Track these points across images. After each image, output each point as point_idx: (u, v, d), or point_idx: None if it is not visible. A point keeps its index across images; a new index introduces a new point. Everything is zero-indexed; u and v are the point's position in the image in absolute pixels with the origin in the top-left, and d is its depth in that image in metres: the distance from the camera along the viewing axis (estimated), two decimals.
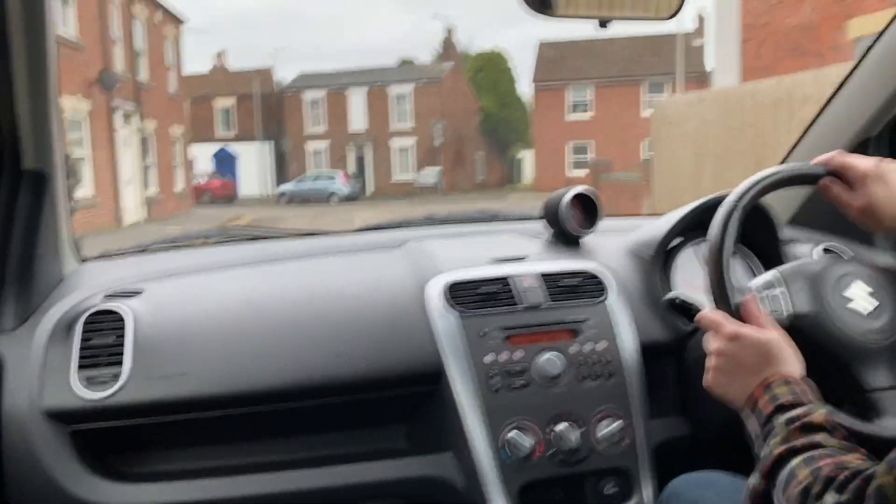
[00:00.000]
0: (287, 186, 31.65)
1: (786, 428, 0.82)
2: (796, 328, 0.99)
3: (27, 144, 1.24)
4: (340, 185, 30.52)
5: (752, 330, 0.93)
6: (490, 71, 39.09)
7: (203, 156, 34.59)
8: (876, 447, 0.78)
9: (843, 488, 0.70)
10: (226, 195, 31.70)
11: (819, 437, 0.79)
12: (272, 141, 36.10)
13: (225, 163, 35.74)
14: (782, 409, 0.84)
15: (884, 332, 1.00)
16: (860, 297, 1.02)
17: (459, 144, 35.52)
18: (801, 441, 0.79)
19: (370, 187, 34.40)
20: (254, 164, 35.69)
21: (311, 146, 36.06)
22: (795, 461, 0.77)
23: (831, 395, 0.93)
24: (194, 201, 25.28)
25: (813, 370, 0.93)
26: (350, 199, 29.63)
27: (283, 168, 36.09)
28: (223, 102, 36.69)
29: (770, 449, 0.81)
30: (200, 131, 34.52)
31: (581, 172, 27.78)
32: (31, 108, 1.22)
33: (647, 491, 1.26)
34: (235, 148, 36.13)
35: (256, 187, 35.08)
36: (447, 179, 33.70)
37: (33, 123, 1.23)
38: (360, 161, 35.39)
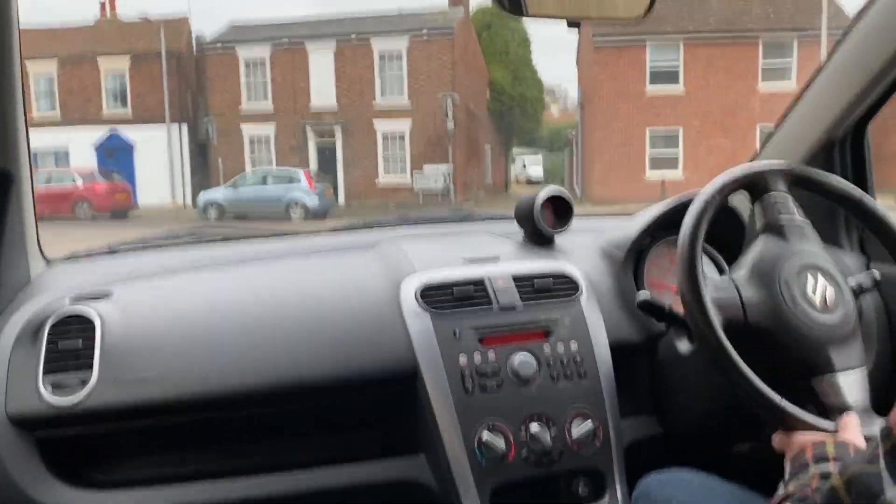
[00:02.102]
0: (216, 193, 19.71)
1: (811, 474, 0.82)
2: (753, 321, 1.01)
3: None
4: (305, 190, 18.65)
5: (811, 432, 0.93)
6: (500, 30, 28.43)
7: (81, 145, 23.29)
8: None
9: (803, 501, 0.73)
10: (116, 205, 18.95)
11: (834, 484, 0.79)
12: (187, 123, 23.73)
13: (116, 155, 23.33)
14: (821, 460, 0.84)
15: (840, 324, 1.01)
16: (818, 290, 1.03)
17: (474, 131, 24.71)
18: (813, 483, 0.80)
19: (342, 194, 22.57)
20: (160, 158, 23.14)
21: (248, 130, 23.73)
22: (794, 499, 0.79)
23: (789, 389, 0.96)
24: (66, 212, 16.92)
25: (773, 362, 0.98)
26: (320, 213, 18.29)
27: (204, 163, 23.76)
28: (113, 65, 23.75)
29: (783, 489, 0.82)
30: (76, 108, 23.82)
31: (662, 175, 20.15)
32: None
33: (619, 490, 1.26)
34: (131, 133, 23.72)
35: (165, 193, 22.92)
36: (459, 183, 22.46)
37: None
38: (327, 154, 23.20)
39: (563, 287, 1.35)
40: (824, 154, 1.42)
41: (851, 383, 0.98)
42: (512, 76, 28.40)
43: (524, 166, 39.53)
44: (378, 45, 22.89)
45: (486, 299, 1.30)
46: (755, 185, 1.10)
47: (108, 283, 1.34)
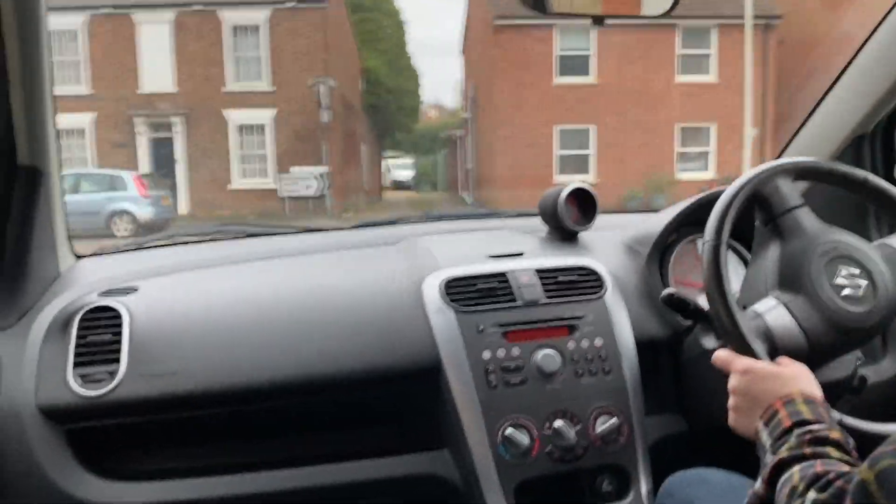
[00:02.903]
0: None
1: (798, 439, 0.82)
2: (812, 337, 1.00)
3: (21, 140, 1.23)
4: (133, 198, 14.13)
5: (763, 363, 0.94)
6: (373, 11, 24.27)
7: None
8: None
9: (825, 488, 0.71)
10: None
11: (828, 450, 0.79)
12: None
13: None
14: (802, 423, 0.84)
15: (874, 313, 1.02)
16: (849, 281, 1.03)
17: (352, 126, 20.46)
18: (808, 450, 0.79)
19: (183, 202, 17.18)
20: None
21: (59, 120, 18.44)
22: (796, 467, 0.78)
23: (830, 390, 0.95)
24: None
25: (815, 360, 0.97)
26: (156, 227, 13.66)
27: None
28: None
29: (775, 457, 0.81)
30: None
31: (572, 180, 14.87)
32: (26, 103, 1.22)
33: (644, 488, 1.26)
34: None
35: None
36: (336, 189, 17.72)
37: (28, 119, 1.23)
38: (163, 152, 17.64)
39: (587, 283, 1.35)
40: (854, 148, 1.42)
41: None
42: (388, 65, 24.29)
43: (389, 170, 35.85)
44: (230, 17, 18.04)
45: (509, 295, 1.30)
46: (755, 192, 1.09)
47: (135, 278, 1.36)
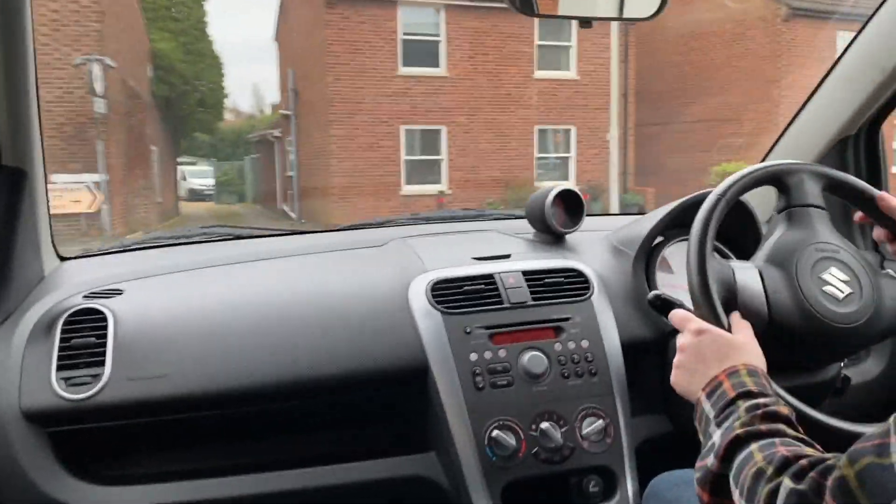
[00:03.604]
0: None
1: (748, 413, 0.81)
2: (775, 312, 1.01)
3: (6, 141, 1.23)
4: None
5: (718, 329, 0.95)
6: None
7: None
8: (838, 444, 0.78)
9: (800, 477, 0.70)
10: None
11: (781, 427, 0.79)
12: None
13: None
14: (748, 395, 0.84)
15: (852, 318, 1.02)
16: (835, 282, 1.04)
17: (139, 121, 15.68)
18: (763, 427, 0.79)
19: None
20: None
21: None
22: (754, 445, 0.77)
23: (801, 383, 1.01)
24: None
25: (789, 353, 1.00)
26: None
27: None
28: None
29: (728, 431, 0.81)
30: None
31: (421, 191, 14.93)
32: (9, 104, 1.21)
33: (630, 488, 1.26)
34: None
35: None
36: (118, 204, 13.44)
37: (12, 120, 1.22)
38: None
39: (574, 285, 1.35)
40: (838, 152, 1.44)
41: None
42: (182, 49, 19.88)
43: (184, 178, 30.39)
44: None
45: (496, 297, 1.31)
46: (778, 180, 1.10)
47: (120, 280, 1.35)
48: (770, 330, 1.01)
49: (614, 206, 13.02)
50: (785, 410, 0.82)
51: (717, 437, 0.82)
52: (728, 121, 15.50)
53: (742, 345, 0.93)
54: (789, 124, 1.57)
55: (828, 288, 1.03)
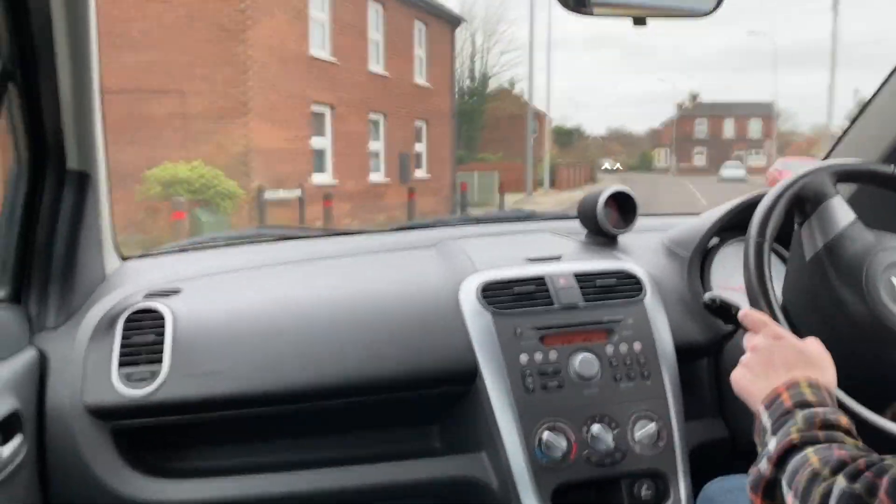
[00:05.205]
0: None
1: (806, 422, 0.80)
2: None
3: (71, 145, 1.27)
4: None
5: (795, 337, 0.94)
6: None
7: None
8: None
9: (855, 477, 0.69)
10: None
11: (840, 436, 0.78)
12: None
13: None
14: (805, 406, 0.83)
15: None
16: None
17: None
18: (820, 434, 0.78)
19: None
20: None
21: None
22: (810, 449, 0.76)
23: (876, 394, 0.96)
24: None
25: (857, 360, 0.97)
26: None
27: None
28: None
29: (783, 437, 0.79)
30: None
31: None
32: (75, 109, 1.24)
33: (683, 494, 1.25)
34: None
35: None
36: None
37: (77, 125, 1.26)
38: None
39: (626, 286, 1.34)
40: None
41: None
42: None
43: None
44: None
45: (546, 298, 1.30)
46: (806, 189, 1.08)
47: (178, 280, 1.38)
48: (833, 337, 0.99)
49: None
50: (844, 420, 0.80)
51: (772, 444, 0.81)
52: (165, 93, 10.75)
53: (813, 356, 0.91)
54: (855, 119, 1.54)
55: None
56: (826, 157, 1.60)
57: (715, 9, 1.23)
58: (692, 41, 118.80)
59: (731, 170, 40.41)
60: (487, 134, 28.46)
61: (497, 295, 1.30)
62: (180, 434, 1.27)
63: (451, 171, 19.38)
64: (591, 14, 1.20)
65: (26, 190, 1.24)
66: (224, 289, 1.40)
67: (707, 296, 1.10)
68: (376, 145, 15.91)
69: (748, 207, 1.28)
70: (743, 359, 0.95)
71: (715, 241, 1.46)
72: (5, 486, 1.04)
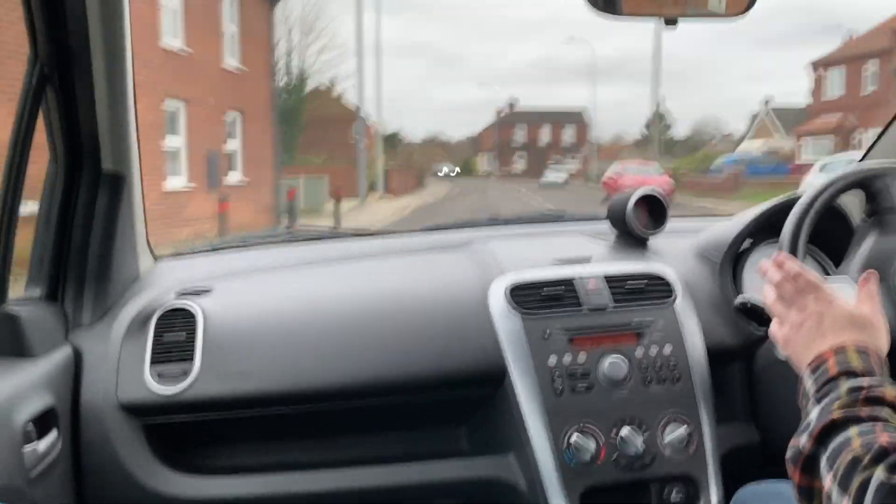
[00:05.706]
0: None
1: (849, 395, 0.78)
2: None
3: (106, 147, 1.29)
4: None
5: (847, 303, 0.90)
6: None
7: None
8: None
9: (894, 470, 0.67)
10: None
11: (884, 413, 0.75)
12: None
13: None
14: (850, 374, 0.80)
15: None
16: None
17: None
18: (863, 411, 0.76)
19: None
20: None
21: None
22: (853, 430, 0.74)
23: None
24: None
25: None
26: None
27: None
28: None
29: (826, 412, 0.78)
30: None
31: None
32: (110, 112, 1.27)
33: (714, 499, 1.23)
34: None
35: None
36: None
37: (112, 127, 1.28)
38: None
39: (656, 289, 1.33)
40: None
41: None
42: None
43: None
44: None
45: (575, 300, 1.30)
46: (866, 185, 1.07)
47: (209, 280, 1.40)
48: None
49: None
50: (891, 394, 0.77)
51: (813, 415, 0.79)
52: None
53: (864, 319, 0.87)
54: (888, 125, 1.50)
55: None
56: (863, 158, 1.59)
57: (747, 9, 1.20)
58: (509, 48, 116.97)
59: (551, 174, 40.33)
60: (308, 136, 26.58)
61: (526, 297, 1.29)
62: (210, 432, 1.29)
63: (272, 174, 15.69)
64: (621, 15, 1.16)
65: (63, 191, 1.27)
66: (254, 289, 1.41)
67: (739, 298, 1.07)
68: (175, 141, 11.93)
69: (781, 210, 1.27)
70: (792, 317, 0.92)
71: (747, 244, 1.45)
72: (41, 481, 1.06)
